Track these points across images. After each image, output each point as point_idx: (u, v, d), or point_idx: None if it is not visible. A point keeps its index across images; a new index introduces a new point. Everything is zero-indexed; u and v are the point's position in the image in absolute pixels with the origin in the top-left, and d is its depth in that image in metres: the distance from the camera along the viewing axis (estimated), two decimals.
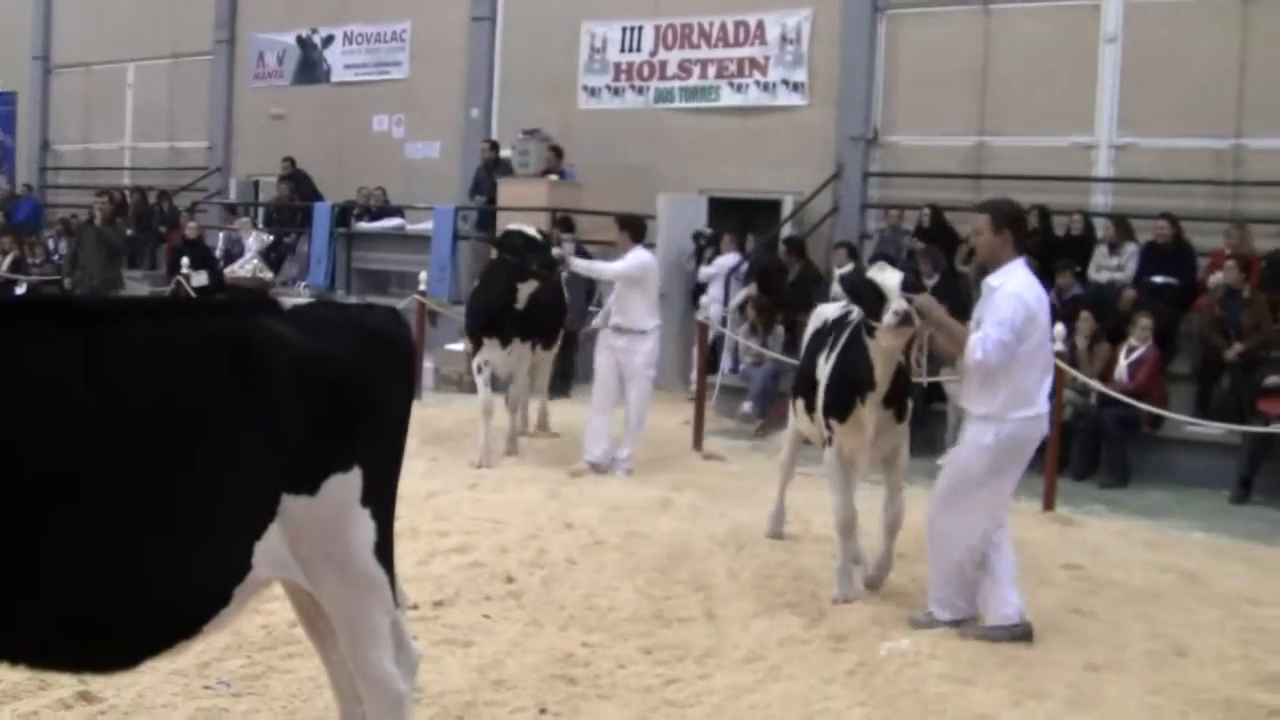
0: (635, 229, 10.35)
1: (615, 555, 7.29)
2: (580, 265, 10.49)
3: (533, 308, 10.16)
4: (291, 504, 3.43)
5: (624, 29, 17.16)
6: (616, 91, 17.32)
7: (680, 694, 5.17)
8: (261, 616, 5.45)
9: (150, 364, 3.24)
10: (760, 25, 15.98)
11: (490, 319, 10.23)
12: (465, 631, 5.79)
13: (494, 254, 10.56)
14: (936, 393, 10.61)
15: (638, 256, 10.01)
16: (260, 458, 3.35)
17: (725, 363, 14.12)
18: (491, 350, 10.27)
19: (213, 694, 4.84)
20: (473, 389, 11.64)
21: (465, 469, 9.78)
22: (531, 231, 10.21)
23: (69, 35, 24.90)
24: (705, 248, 14.92)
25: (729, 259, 14.60)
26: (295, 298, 5.17)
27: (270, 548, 3.43)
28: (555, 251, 10.15)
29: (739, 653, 5.72)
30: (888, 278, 6.17)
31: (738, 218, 15.71)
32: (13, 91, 25.84)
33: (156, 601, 3.27)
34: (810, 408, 7.00)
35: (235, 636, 5.26)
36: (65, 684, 4.64)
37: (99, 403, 3.10)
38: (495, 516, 8.04)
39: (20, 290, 19.26)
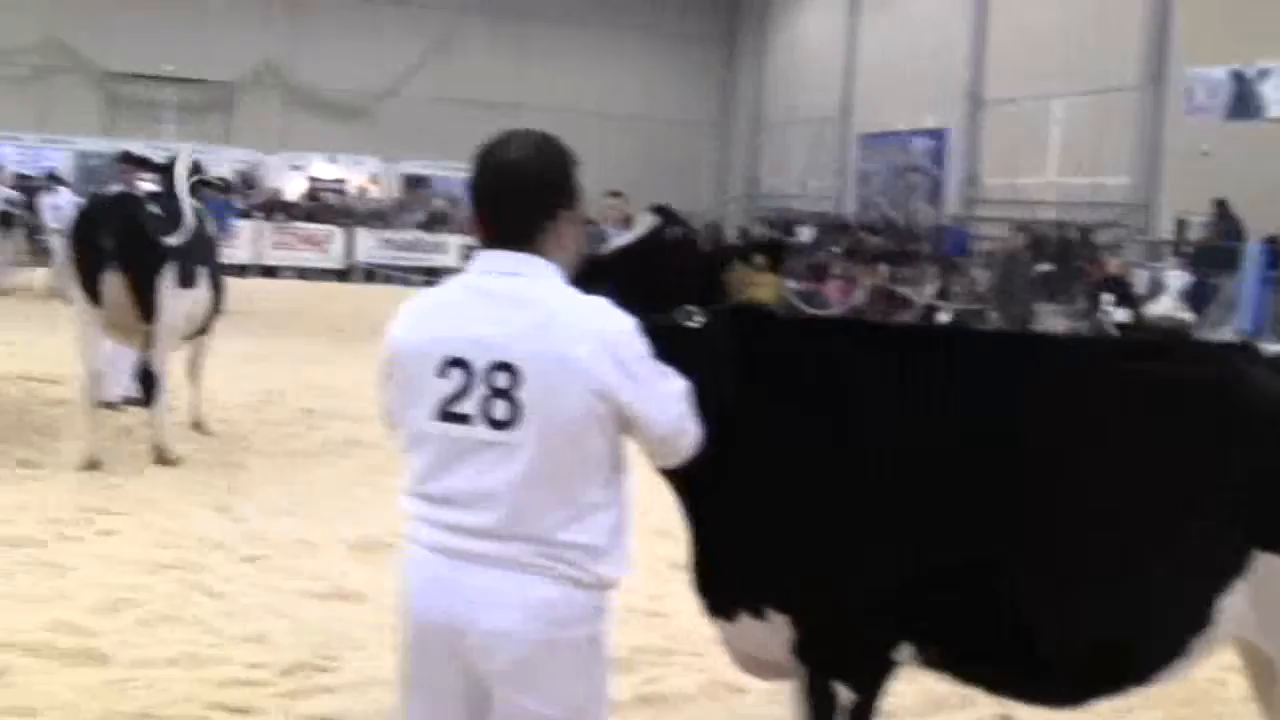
0: None
1: None
2: None
3: None
4: (1262, 561, 3.41)
5: None
6: None
7: None
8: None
9: (1134, 401, 3.52)
10: None
11: None
12: None
13: None
14: None
15: None
16: (1234, 507, 3.40)
17: None
18: None
19: None
20: None
21: None
22: None
23: (999, 71, 27.66)
24: None
25: None
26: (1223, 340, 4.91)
27: (1234, 604, 3.41)
28: None
29: None
30: None
31: None
32: (945, 128, 29.47)
33: (1114, 640, 3.44)
34: None
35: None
36: (986, 704, 5.06)
37: (1094, 436, 3.48)
38: None
39: (943, 318, 22.29)
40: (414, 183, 35.42)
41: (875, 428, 3.47)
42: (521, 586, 2.85)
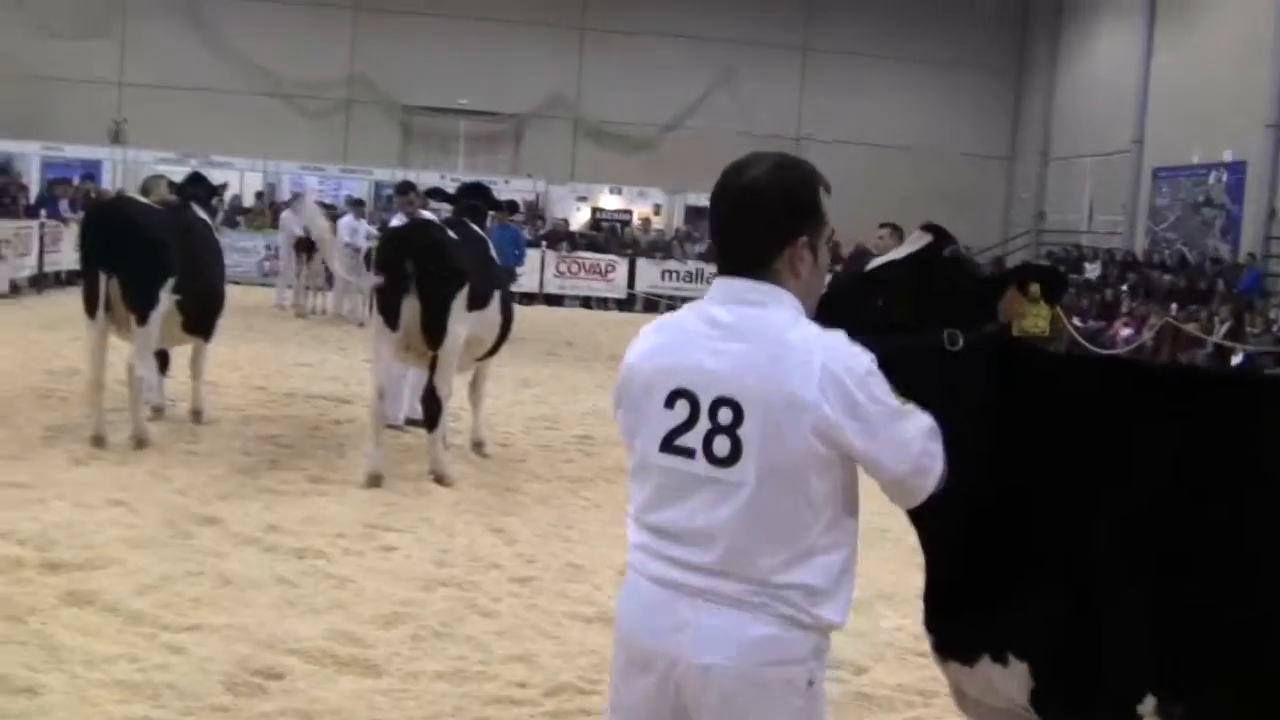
0: None
1: None
2: None
3: None
4: None
5: None
6: None
7: None
8: None
9: None
10: None
11: None
12: None
13: None
14: None
15: None
16: None
17: None
18: None
19: None
20: None
21: None
22: None
23: None
24: None
25: None
26: None
27: None
28: None
29: None
30: None
31: None
32: (1242, 160, 27.95)
33: None
34: None
35: None
36: None
37: None
38: None
39: (1236, 360, 21.19)
40: (696, 214, 35.93)
41: (1144, 471, 3.30)
42: (737, 623, 2.79)
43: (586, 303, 31.29)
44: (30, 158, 33.26)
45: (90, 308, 10.18)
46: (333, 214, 26.62)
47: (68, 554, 7.19)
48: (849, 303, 3.25)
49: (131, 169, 24.38)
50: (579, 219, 35.70)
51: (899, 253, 3.47)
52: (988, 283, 3.49)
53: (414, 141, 37.55)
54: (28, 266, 23.44)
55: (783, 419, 2.72)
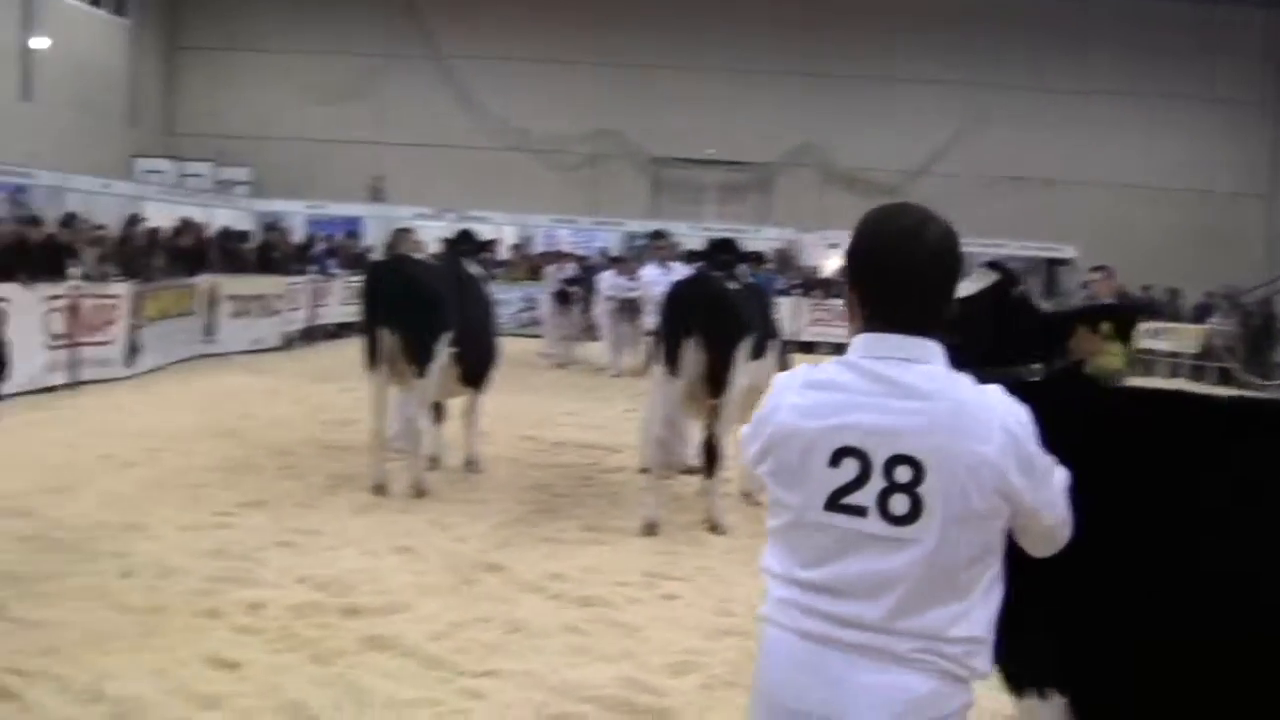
0: None
1: None
2: None
3: None
4: None
5: None
6: None
7: None
8: None
9: None
10: None
11: None
12: None
13: None
14: None
15: None
16: None
17: None
18: None
19: None
20: None
21: None
22: None
23: None
24: None
25: None
26: None
27: None
28: None
29: None
30: None
31: None
32: None
33: None
34: None
35: None
36: None
37: None
38: None
39: None
40: (991, 264, 35.39)
41: (1216, 517, 3.26)
42: (896, 681, 2.76)
43: (839, 349, 30.99)
44: (295, 215, 35.18)
45: (371, 361, 10.66)
46: (584, 265, 27.44)
47: (364, 599, 7.53)
48: None
49: (390, 225, 25.50)
50: (830, 266, 35.59)
51: (964, 290, 3.49)
52: (1054, 321, 3.59)
53: (663, 192, 38.19)
54: (299, 320, 24.68)
55: (966, 477, 2.73)
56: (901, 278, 2.84)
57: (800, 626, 2.85)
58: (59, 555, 8.23)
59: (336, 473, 11.31)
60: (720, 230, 24.59)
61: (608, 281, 22.71)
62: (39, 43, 31.59)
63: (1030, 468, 2.79)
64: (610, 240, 34.69)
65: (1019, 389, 2.91)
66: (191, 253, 22.38)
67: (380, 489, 10.49)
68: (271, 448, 12.49)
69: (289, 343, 23.87)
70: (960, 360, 2.90)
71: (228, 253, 24.04)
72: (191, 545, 8.61)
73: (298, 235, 30.75)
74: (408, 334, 10.60)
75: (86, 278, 17.47)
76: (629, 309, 21.11)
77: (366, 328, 10.90)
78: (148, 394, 16.25)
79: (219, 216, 31.09)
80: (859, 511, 2.78)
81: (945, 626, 2.77)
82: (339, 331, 25.55)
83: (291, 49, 38.08)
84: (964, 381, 2.81)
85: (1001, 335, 3.45)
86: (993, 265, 3.68)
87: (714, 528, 9.82)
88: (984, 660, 2.84)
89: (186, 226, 24.62)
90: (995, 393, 2.81)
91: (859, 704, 2.77)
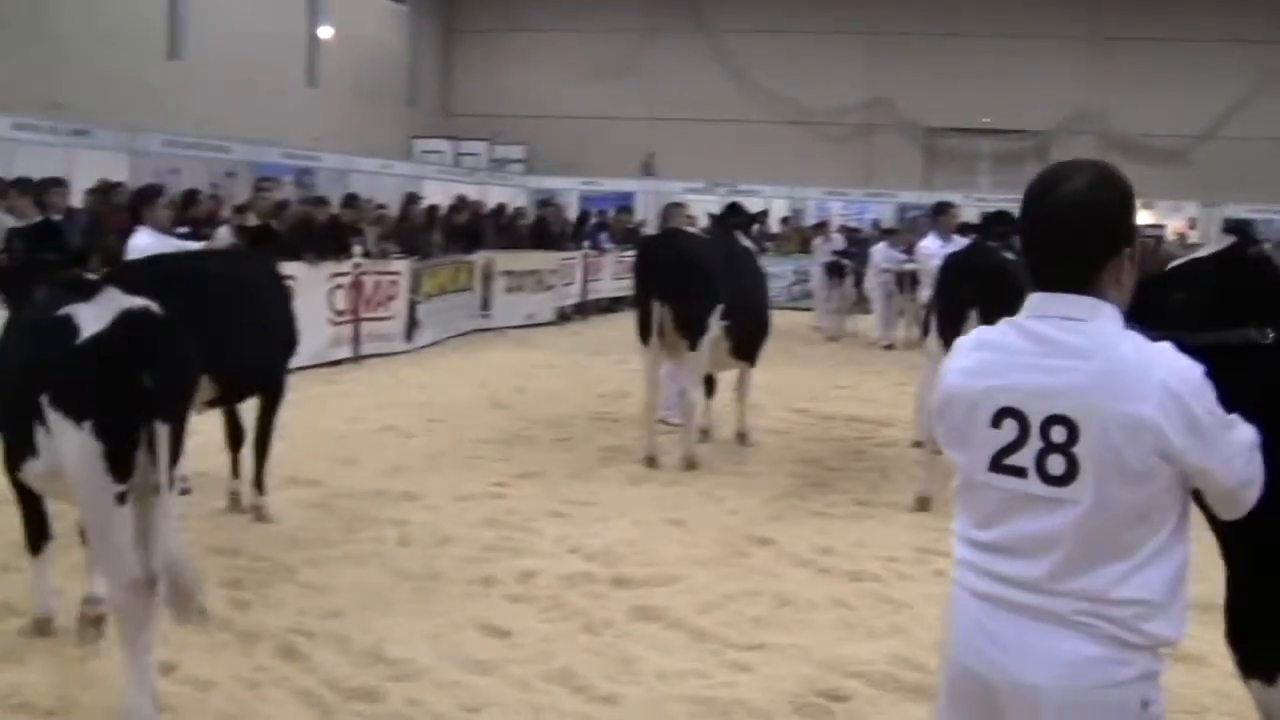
0: None
1: None
2: None
3: None
4: None
5: None
6: None
7: None
8: None
9: None
10: None
11: None
12: None
13: None
14: None
15: None
16: None
17: None
18: None
19: None
20: None
21: None
22: None
23: None
24: None
25: None
26: None
27: None
28: None
29: None
30: None
31: None
32: None
33: None
34: None
35: None
36: None
37: None
38: None
39: None
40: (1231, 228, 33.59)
41: None
42: (1061, 642, 2.75)
43: None
44: (570, 192, 35.99)
45: (644, 335, 10.82)
46: (856, 238, 27.18)
47: (634, 570, 7.66)
48: (1148, 300, 3.17)
49: (662, 199, 25.80)
50: None
51: (1202, 252, 3.47)
52: None
53: (936, 163, 37.47)
54: (572, 295, 25.24)
55: (1121, 436, 2.69)
56: (1033, 239, 2.88)
57: (975, 587, 2.88)
58: (343, 522, 8.67)
59: (609, 445, 11.54)
60: (996, 201, 23.93)
61: (880, 254, 22.48)
62: (324, 32, 33.17)
63: (1196, 427, 2.70)
64: (883, 212, 34.23)
65: (1215, 351, 2.87)
66: (468, 229, 23.09)
67: (652, 461, 10.65)
68: (545, 420, 12.82)
69: (563, 317, 24.41)
70: (1183, 321, 2.90)
71: (503, 229, 24.72)
72: (467, 515, 8.93)
73: (571, 211, 31.38)
74: (680, 307, 10.71)
75: (368, 255, 18.25)
76: (903, 281, 20.83)
77: (639, 302, 11.07)
78: (426, 368, 16.90)
79: (494, 194, 32.01)
80: (1019, 472, 2.80)
81: (1109, 588, 2.73)
82: (612, 306, 26.00)
83: (562, 27, 38.83)
84: (1127, 340, 2.76)
85: (1237, 295, 3.37)
86: (1232, 229, 3.61)
87: None
88: (1163, 625, 2.76)
89: (463, 204, 25.45)
90: (1159, 350, 2.75)
91: (1023, 664, 2.78)
